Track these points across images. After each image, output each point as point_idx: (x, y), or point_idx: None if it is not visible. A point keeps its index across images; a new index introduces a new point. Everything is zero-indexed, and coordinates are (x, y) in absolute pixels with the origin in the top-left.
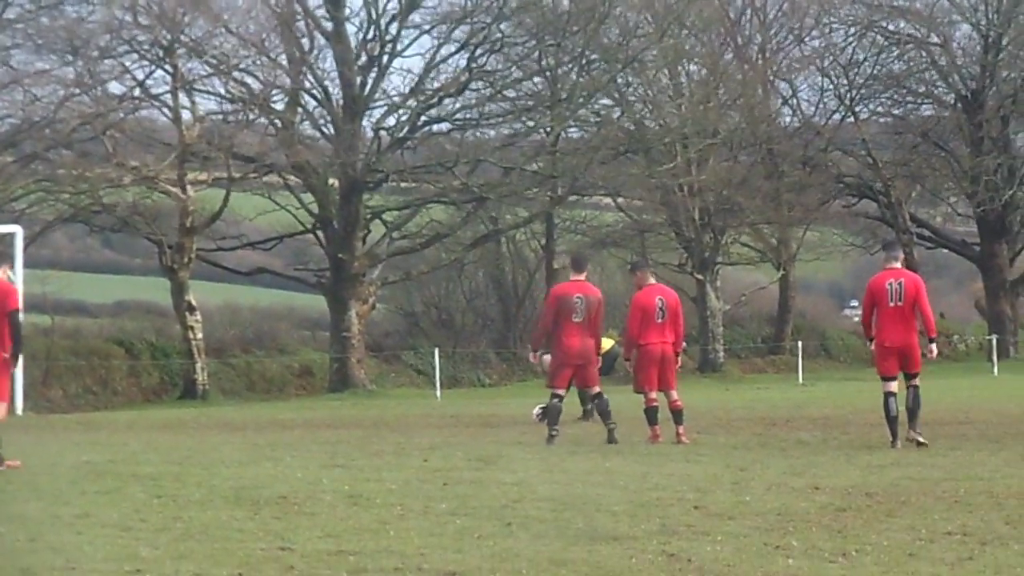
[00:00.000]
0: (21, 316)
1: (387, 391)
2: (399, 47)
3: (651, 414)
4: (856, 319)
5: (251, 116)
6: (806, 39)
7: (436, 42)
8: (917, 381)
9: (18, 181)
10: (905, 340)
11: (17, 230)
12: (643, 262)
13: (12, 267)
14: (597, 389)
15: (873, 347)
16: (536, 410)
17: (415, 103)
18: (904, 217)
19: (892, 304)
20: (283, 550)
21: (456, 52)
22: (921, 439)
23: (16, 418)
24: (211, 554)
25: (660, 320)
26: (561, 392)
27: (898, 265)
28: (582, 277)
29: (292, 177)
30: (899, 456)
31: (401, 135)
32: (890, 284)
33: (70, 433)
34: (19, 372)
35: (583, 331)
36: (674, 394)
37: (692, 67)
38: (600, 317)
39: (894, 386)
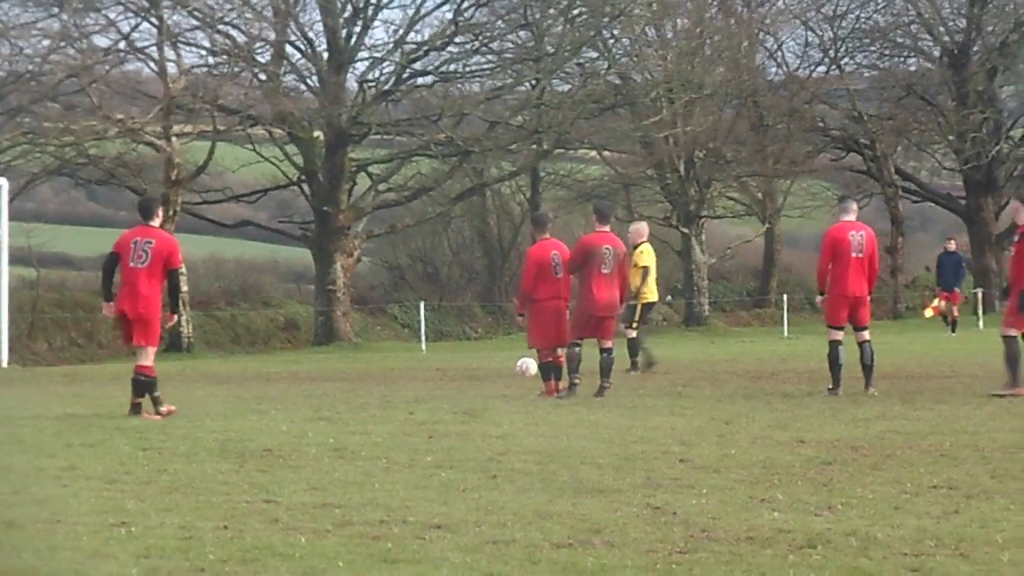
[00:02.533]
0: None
1: (372, 344)
2: None
3: (546, 370)
4: None
5: (236, 69)
6: None
7: None
8: (867, 335)
9: (3, 134)
10: (862, 291)
11: (2, 183)
12: (545, 216)
13: None
14: (610, 344)
15: (825, 298)
16: (520, 363)
17: (400, 56)
18: (889, 170)
19: (855, 255)
20: (268, 503)
21: (442, 4)
22: (876, 394)
23: (2, 371)
24: (196, 507)
25: (556, 275)
26: (579, 341)
27: (854, 217)
28: (607, 228)
29: (277, 130)
30: (884, 409)
31: (386, 88)
32: (852, 235)
33: (55, 386)
34: (4, 325)
35: (611, 282)
36: (560, 351)
37: (678, 20)
38: (626, 268)
39: (840, 335)
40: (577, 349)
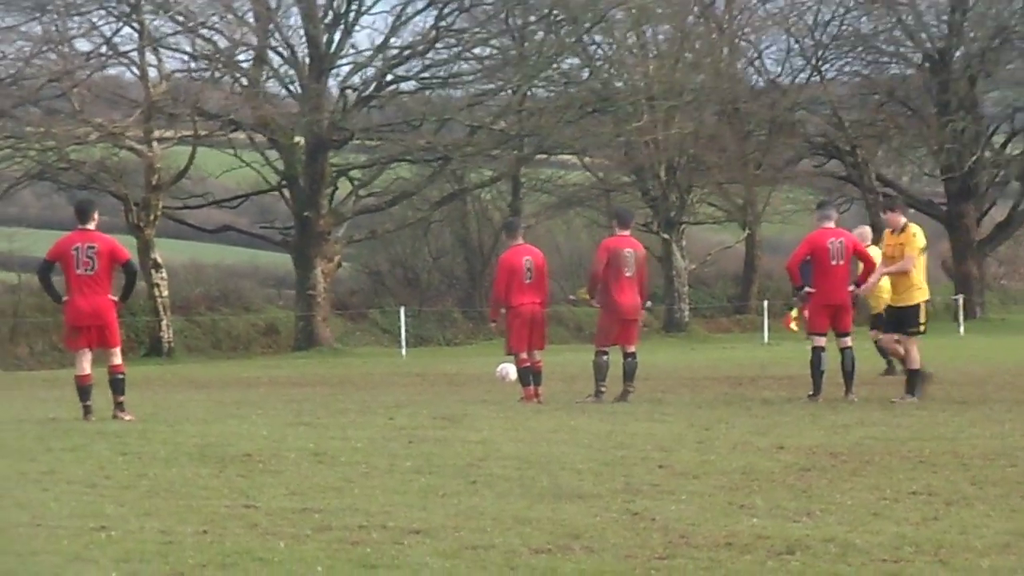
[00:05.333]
0: None
1: (353, 349)
2: (365, 4)
3: (524, 375)
4: None
5: (217, 74)
6: None
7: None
8: (850, 341)
9: None
10: (842, 298)
11: None
12: (516, 222)
13: None
14: (633, 348)
15: (806, 306)
16: (499, 368)
17: (381, 61)
18: (870, 177)
19: (834, 263)
20: (248, 507)
21: (423, 10)
22: (856, 400)
23: None
24: (176, 511)
25: (528, 280)
26: (607, 349)
27: (832, 224)
28: (627, 232)
29: (258, 135)
30: (864, 415)
31: (367, 93)
32: (831, 243)
33: (36, 390)
34: None
35: (634, 286)
36: (537, 355)
37: (659, 27)
38: (645, 273)
39: (824, 341)
40: (604, 357)
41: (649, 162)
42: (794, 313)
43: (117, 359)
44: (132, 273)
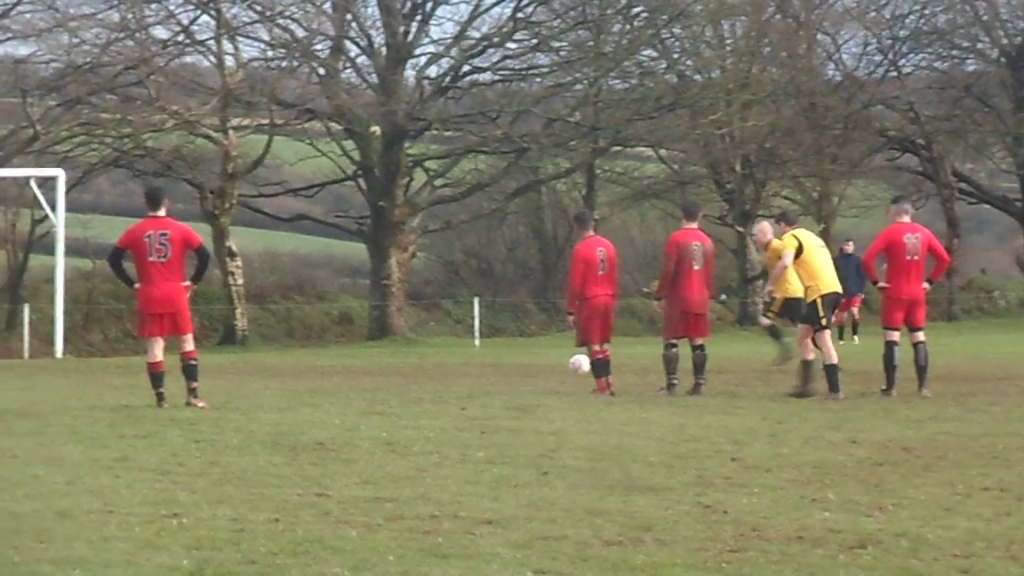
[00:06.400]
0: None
1: (426, 339)
2: None
3: (597, 366)
4: None
5: (294, 63)
6: None
7: None
8: (923, 336)
9: (61, 125)
10: (916, 293)
11: (60, 174)
12: (588, 214)
13: None
14: (702, 341)
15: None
16: (572, 360)
17: (458, 52)
18: (946, 172)
19: (909, 258)
20: (320, 496)
21: (501, 1)
22: (929, 395)
23: (56, 361)
24: (248, 499)
25: (602, 272)
26: (676, 342)
27: (908, 219)
28: (695, 225)
29: (334, 124)
30: (937, 411)
31: (444, 84)
32: (908, 238)
33: (110, 377)
34: (59, 316)
35: (702, 279)
36: (607, 346)
37: (736, 21)
38: (713, 266)
39: (898, 336)
40: (674, 350)
41: (725, 155)
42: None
43: (190, 345)
44: (205, 257)
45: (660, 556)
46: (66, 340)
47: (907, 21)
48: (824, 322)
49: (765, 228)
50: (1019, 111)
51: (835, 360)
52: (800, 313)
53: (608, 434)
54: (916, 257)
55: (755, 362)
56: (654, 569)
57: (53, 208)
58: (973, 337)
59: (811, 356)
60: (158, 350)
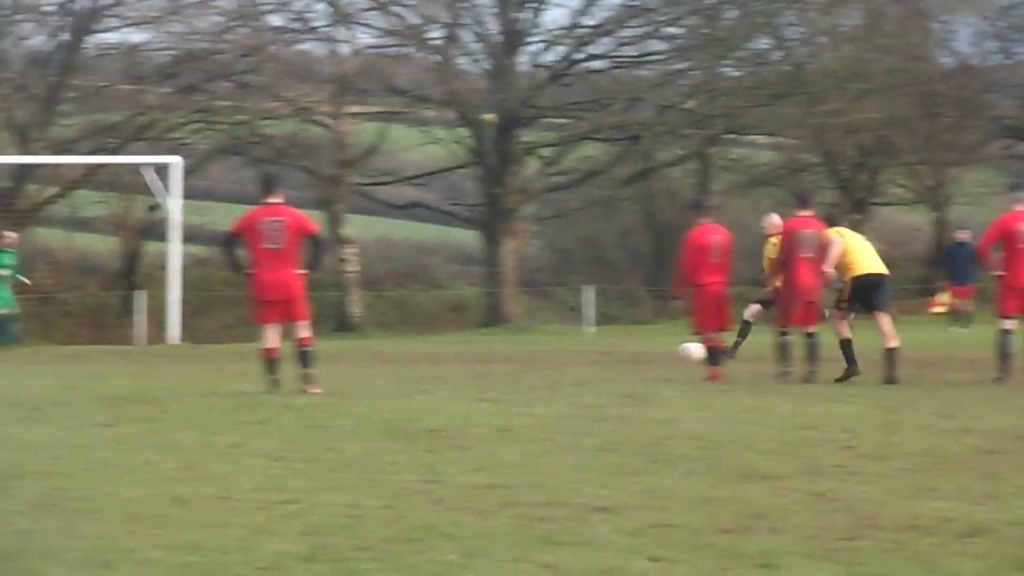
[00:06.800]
0: None
1: (538, 326)
2: None
3: (711, 354)
4: None
5: (409, 50)
6: None
7: None
8: None
9: (177, 112)
10: None
11: (176, 160)
12: (703, 200)
13: None
14: (814, 329)
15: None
16: (684, 348)
17: (572, 39)
18: None
19: (1022, 246)
20: (433, 483)
21: None
22: None
23: (171, 347)
24: (362, 485)
25: (715, 259)
26: (788, 330)
27: None
28: (809, 212)
29: (448, 112)
30: None
31: (558, 71)
32: (1022, 226)
33: (224, 363)
34: (175, 302)
35: (814, 267)
36: (723, 336)
37: (851, 8)
38: (825, 254)
39: (1012, 324)
40: (786, 338)
41: (839, 143)
42: (942, 297)
43: (305, 332)
44: (321, 244)
45: (773, 544)
46: (181, 326)
47: (1020, 9)
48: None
49: (774, 221)
50: None
51: (849, 336)
52: (881, 295)
53: (720, 422)
54: None
55: (869, 350)
56: (767, 557)
57: (168, 195)
58: None
59: (848, 335)
60: (272, 336)
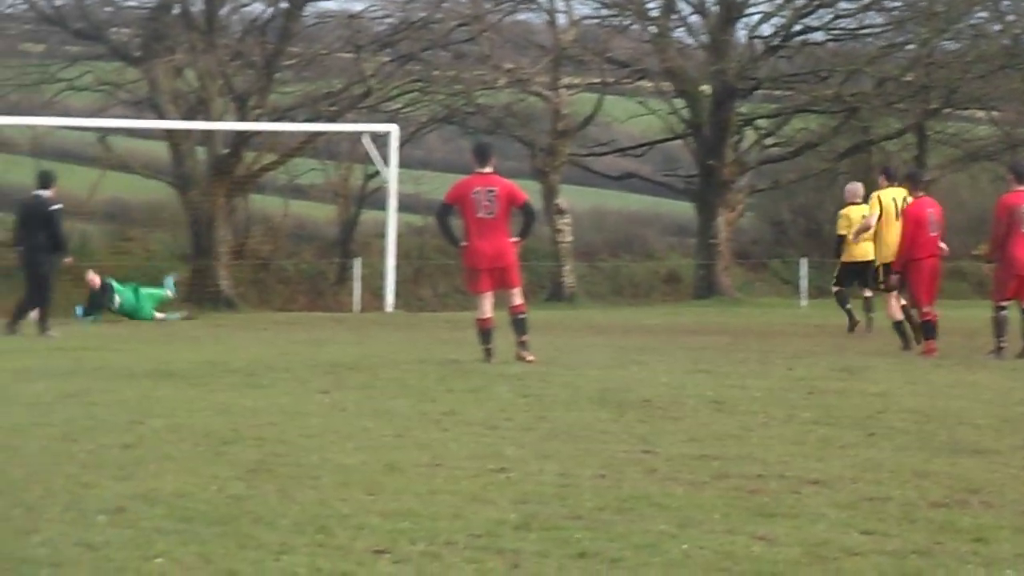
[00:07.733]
0: None
1: (752, 299)
2: None
3: (928, 328)
4: None
5: (626, 22)
6: None
7: None
8: None
9: (395, 81)
10: None
11: (393, 129)
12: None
13: None
14: None
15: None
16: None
17: (790, 11)
18: None
19: None
20: (646, 453)
21: None
22: None
23: (386, 315)
24: (575, 455)
25: (933, 232)
26: (1005, 304)
27: None
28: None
29: (665, 83)
30: None
31: (776, 43)
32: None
33: (439, 331)
34: (390, 270)
35: None
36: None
37: None
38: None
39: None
40: (1003, 312)
41: None
42: None
43: (518, 299)
44: (531, 214)
45: (986, 519)
46: (396, 294)
47: None
48: (883, 286)
49: (854, 189)
50: None
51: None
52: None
53: (935, 396)
54: None
55: None
56: (980, 531)
57: (385, 163)
58: None
59: (900, 317)
60: (488, 306)
